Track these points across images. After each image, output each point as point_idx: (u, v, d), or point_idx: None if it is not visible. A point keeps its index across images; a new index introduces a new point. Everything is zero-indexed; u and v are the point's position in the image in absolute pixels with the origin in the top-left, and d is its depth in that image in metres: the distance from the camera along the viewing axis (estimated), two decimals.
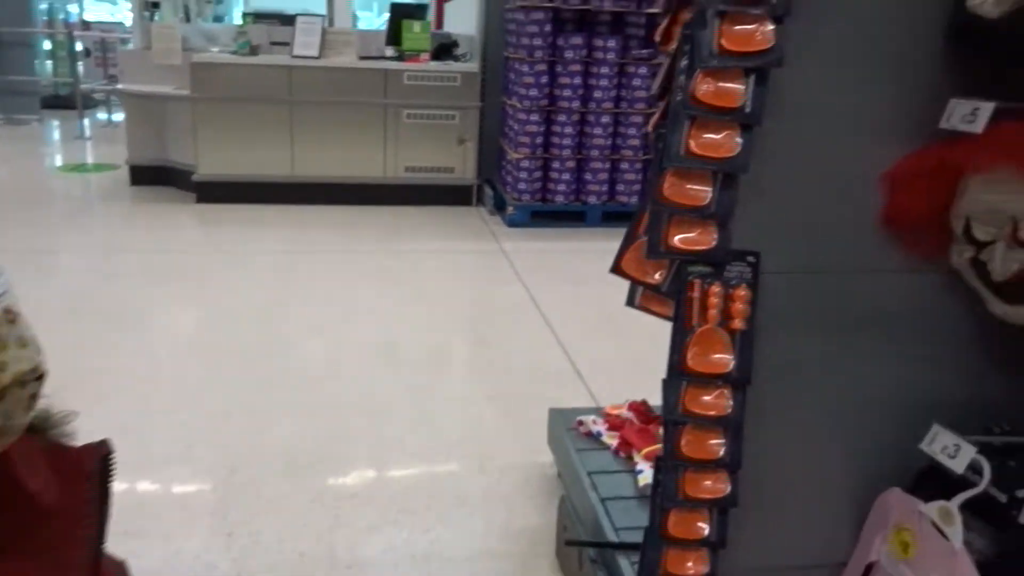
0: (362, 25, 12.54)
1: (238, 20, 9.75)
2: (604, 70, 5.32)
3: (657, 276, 1.38)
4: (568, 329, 3.78)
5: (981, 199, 1.24)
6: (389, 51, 6.01)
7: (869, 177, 1.33)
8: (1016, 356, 1.44)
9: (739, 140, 1.23)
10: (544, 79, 5.32)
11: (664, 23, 1.36)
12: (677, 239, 1.29)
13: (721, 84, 1.21)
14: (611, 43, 5.27)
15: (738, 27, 1.18)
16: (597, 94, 5.37)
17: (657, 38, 1.38)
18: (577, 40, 5.27)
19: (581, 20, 5.34)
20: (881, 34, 1.28)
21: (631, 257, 1.39)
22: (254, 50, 5.82)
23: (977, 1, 1.10)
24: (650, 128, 1.40)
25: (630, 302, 1.47)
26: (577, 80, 5.34)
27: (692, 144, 1.23)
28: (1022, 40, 1.11)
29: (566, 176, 5.50)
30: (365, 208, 5.83)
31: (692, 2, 1.23)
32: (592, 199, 5.57)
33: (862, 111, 1.31)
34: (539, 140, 5.44)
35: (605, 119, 5.41)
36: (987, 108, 1.19)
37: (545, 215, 5.57)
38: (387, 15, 6.43)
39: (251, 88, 5.63)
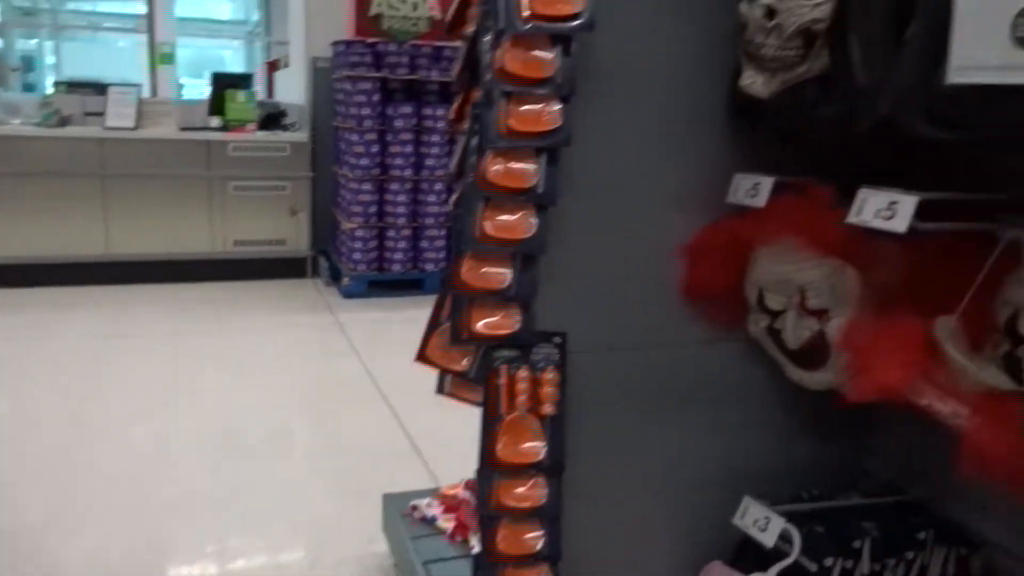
0: (192, 94, 12.12)
1: (51, 90, 9.16)
2: (435, 138, 5.34)
3: (464, 362, 1.32)
4: (406, 403, 3.65)
5: (770, 270, 1.27)
6: (214, 121, 5.79)
7: (667, 251, 1.33)
8: (821, 419, 1.47)
9: (535, 220, 1.20)
10: (375, 148, 5.27)
11: (457, 102, 1.33)
12: (480, 324, 1.23)
13: (512, 165, 1.18)
14: (440, 112, 5.30)
15: (525, 107, 1.16)
16: (429, 162, 5.37)
17: (451, 117, 1.34)
18: (407, 109, 5.27)
19: (410, 90, 5.35)
20: (668, 111, 1.30)
21: (436, 344, 1.32)
22: (64, 121, 5.44)
23: (748, 82, 1.13)
24: (451, 206, 1.36)
25: (440, 390, 1.39)
26: (409, 149, 5.33)
27: (487, 226, 1.19)
28: (792, 118, 1.15)
29: (402, 244, 5.44)
30: (191, 285, 5.50)
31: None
32: (429, 266, 5.52)
33: (656, 186, 1.32)
34: (372, 209, 5.36)
35: (438, 186, 5.41)
36: (767, 183, 1.22)
37: (382, 284, 5.46)
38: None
39: (57, 162, 5.23)
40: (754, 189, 1.23)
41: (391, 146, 5.31)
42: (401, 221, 5.41)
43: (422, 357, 1.34)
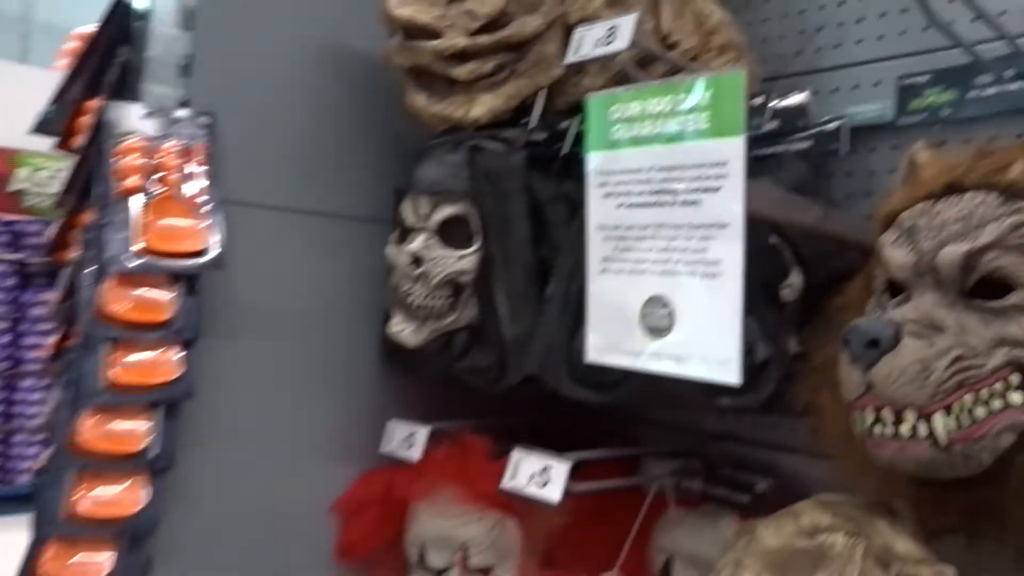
0: None
1: None
2: None
3: None
4: None
5: (431, 526, 1.16)
6: None
7: (317, 508, 1.17)
8: None
9: (145, 491, 0.98)
10: (5, 339, 4.54)
11: (55, 340, 1.09)
12: None
13: (115, 425, 0.96)
14: None
15: (135, 356, 0.97)
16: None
17: (46, 359, 1.10)
18: (49, 296, 4.66)
19: (54, 275, 4.76)
20: (315, 353, 1.18)
21: None
22: None
23: (396, 329, 1.05)
24: (34, 475, 1.08)
25: None
26: (51, 340, 4.67)
27: (81, 503, 0.94)
28: (444, 366, 1.08)
29: (33, 451, 4.63)
30: None
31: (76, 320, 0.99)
32: None
33: (302, 436, 1.16)
34: None
35: None
36: (423, 432, 1.13)
37: (8, 501, 4.55)
38: None
39: None
40: (410, 439, 1.13)
41: (26, 337, 4.61)
42: (35, 423, 4.63)
43: None
